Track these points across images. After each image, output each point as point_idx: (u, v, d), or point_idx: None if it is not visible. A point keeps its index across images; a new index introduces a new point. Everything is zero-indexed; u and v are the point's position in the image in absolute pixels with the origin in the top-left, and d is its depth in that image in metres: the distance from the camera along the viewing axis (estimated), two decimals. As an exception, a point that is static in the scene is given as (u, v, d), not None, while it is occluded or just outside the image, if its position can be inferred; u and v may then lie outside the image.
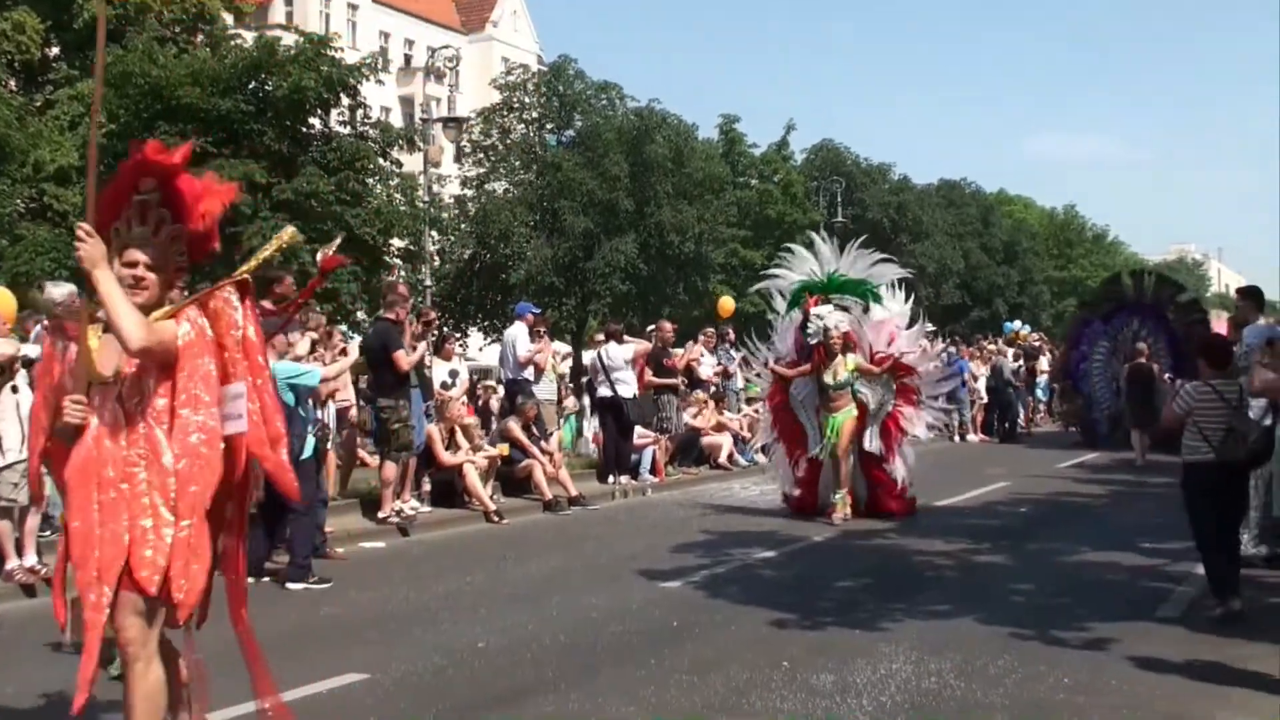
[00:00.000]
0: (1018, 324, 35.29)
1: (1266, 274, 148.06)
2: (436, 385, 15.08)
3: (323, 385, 11.06)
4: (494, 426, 16.56)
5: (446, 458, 14.13)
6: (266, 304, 12.27)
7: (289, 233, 5.05)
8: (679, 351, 19.90)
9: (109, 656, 4.80)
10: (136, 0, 28.53)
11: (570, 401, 19.67)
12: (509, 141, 39.21)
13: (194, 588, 4.63)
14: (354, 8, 58.24)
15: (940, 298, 55.39)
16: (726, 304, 24.89)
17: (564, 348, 29.07)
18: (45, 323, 10.47)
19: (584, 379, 20.18)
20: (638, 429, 17.27)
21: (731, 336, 21.48)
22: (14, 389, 9.90)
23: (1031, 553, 11.59)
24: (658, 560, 11.09)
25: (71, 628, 4.68)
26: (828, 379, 13.73)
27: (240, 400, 4.65)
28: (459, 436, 14.46)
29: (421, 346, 13.52)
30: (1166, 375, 20.87)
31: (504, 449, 14.99)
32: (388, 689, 6.84)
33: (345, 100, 21.73)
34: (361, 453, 14.22)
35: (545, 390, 16.64)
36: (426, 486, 14.36)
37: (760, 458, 18.29)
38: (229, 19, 31.44)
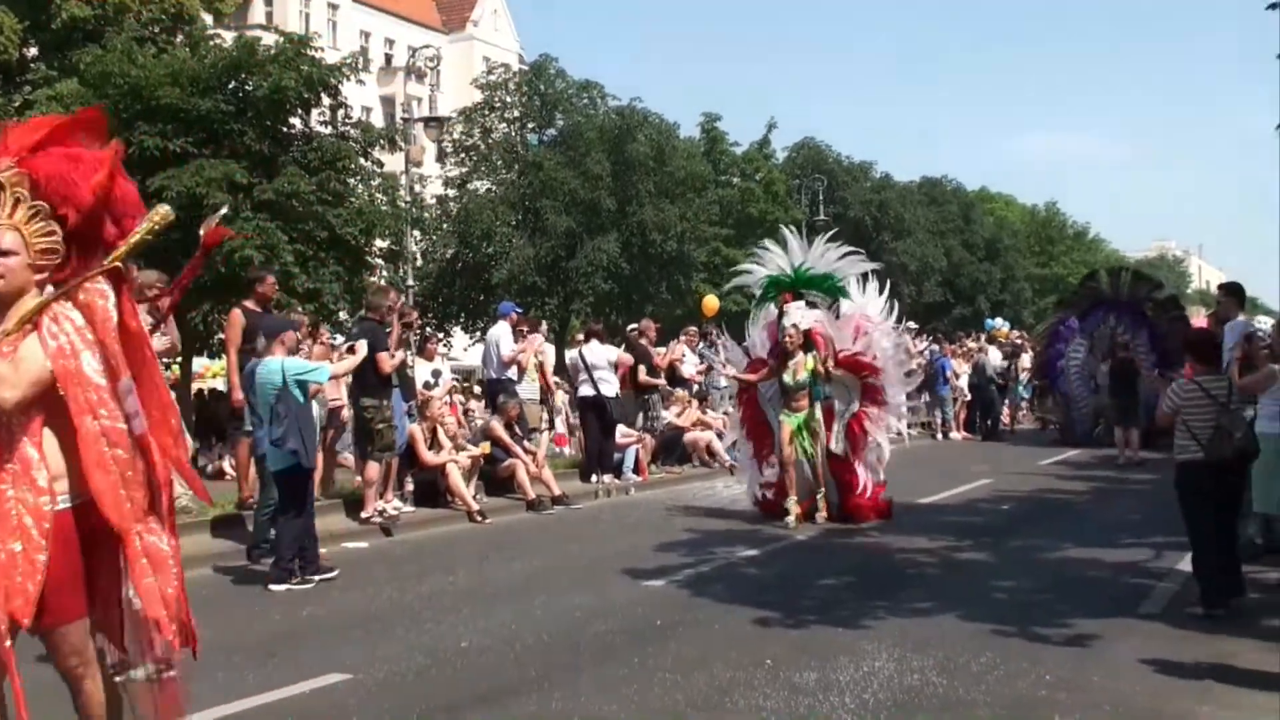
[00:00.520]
0: (1000, 321, 35.36)
1: (1247, 270, 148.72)
2: (419, 385, 15.07)
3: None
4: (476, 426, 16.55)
5: (429, 457, 14.11)
6: (249, 304, 12.33)
7: (161, 213, 4.54)
8: (661, 351, 19.93)
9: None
10: (115, 0, 28.43)
11: (560, 398, 19.59)
12: (490, 141, 39.21)
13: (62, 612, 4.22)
14: (334, 7, 58.09)
15: (922, 295, 55.58)
16: (710, 303, 24.86)
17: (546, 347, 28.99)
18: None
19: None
20: (620, 428, 17.27)
21: (714, 336, 21.47)
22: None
23: (1014, 550, 11.62)
24: (641, 559, 11.09)
25: None
26: (787, 379, 13.43)
27: (132, 396, 4.35)
28: (441, 436, 14.44)
29: (401, 349, 13.46)
30: (1154, 370, 20.91)
31: (486, 448, 14.97)
32: (371, 689, 6.82)
33: (326, 100, 21.61)
34: (345, 454, 14.21)
35: (527, 390, 16.62)
36: (409, 486, 14.34)
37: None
38: (208, 19, 31.30)
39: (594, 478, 16.79)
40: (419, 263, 34.92)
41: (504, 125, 39.66)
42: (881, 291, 14.20)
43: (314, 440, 10.28)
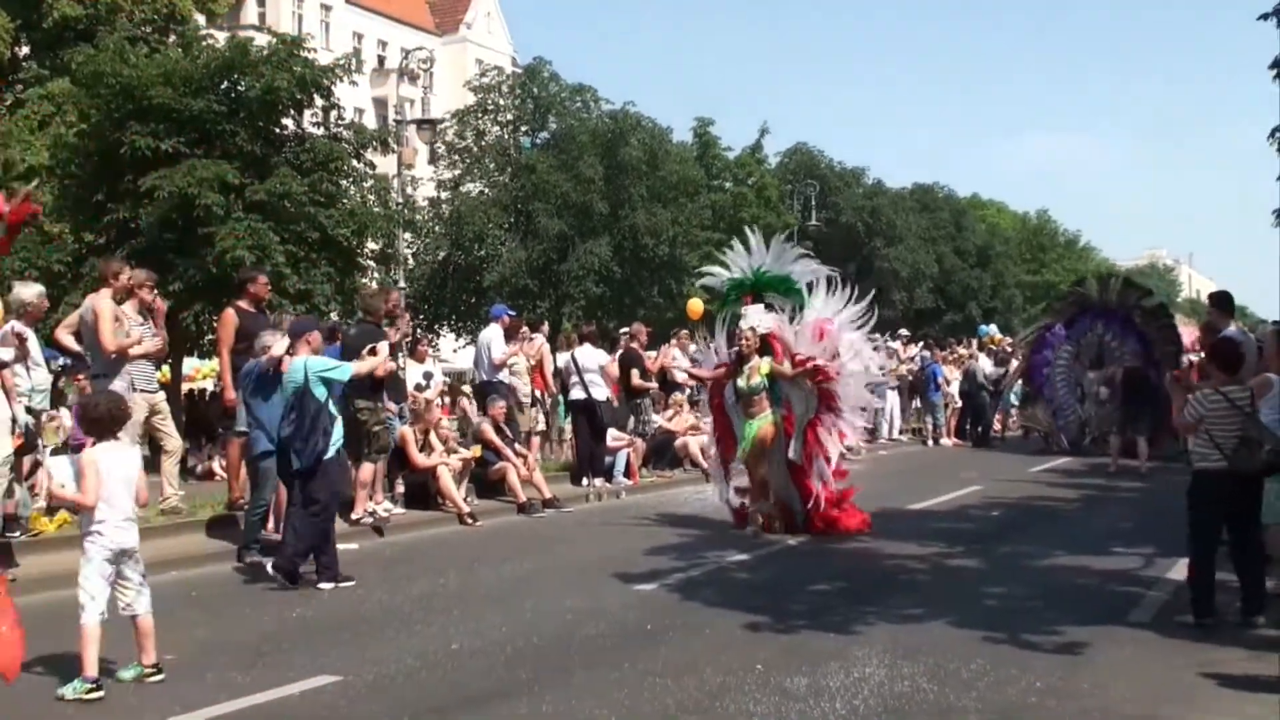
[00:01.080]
0: (991, 328, 35.38)
1: (1237, 279, 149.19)
2: (410, 387, 15.07)
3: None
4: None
5: (420, 460, 14.10)
6: (242, 304, 12.32)
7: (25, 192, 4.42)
8: (653, 354, 19.92)
9: None
10: (107, 0, 28.40)
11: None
12: (483, 144, 39.17)
13: None
14: (327, 9, 58.06)
15: (914, 301, 55.61)
16: (695, 306, 24.72)
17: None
18: (13, 324, 10.42)
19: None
20: (611, 432, 17.27)
21: (686, 339, 21.35)
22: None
23: (1004, 556, 11.62)
24: (632, 563, 11.08)
25: None
26: (740, 383, 13.10)
27: None
28: (433, 439, 14.43)
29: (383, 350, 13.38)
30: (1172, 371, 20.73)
31: (477, 452, 14.97)
32: (360, 691, 6.81)
33: (319, 101, 21.62)
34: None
35: (521, 394, 16.60)
36: (400, 488, 14.34)
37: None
38: (201, 19, 31.30)
39: (585, 481, 16.80)
40: (410, 265, 34.90)
41: (497, 128, 39.61)
42: (862, 298, 13.59)
43: (325, 437, 10.11)
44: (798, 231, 48.33)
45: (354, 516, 12.82)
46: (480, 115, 39.29)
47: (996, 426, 27.59)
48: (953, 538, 12.65)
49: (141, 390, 11.50)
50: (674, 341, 20.83)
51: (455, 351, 39.94)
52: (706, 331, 21.34)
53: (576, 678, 7.06)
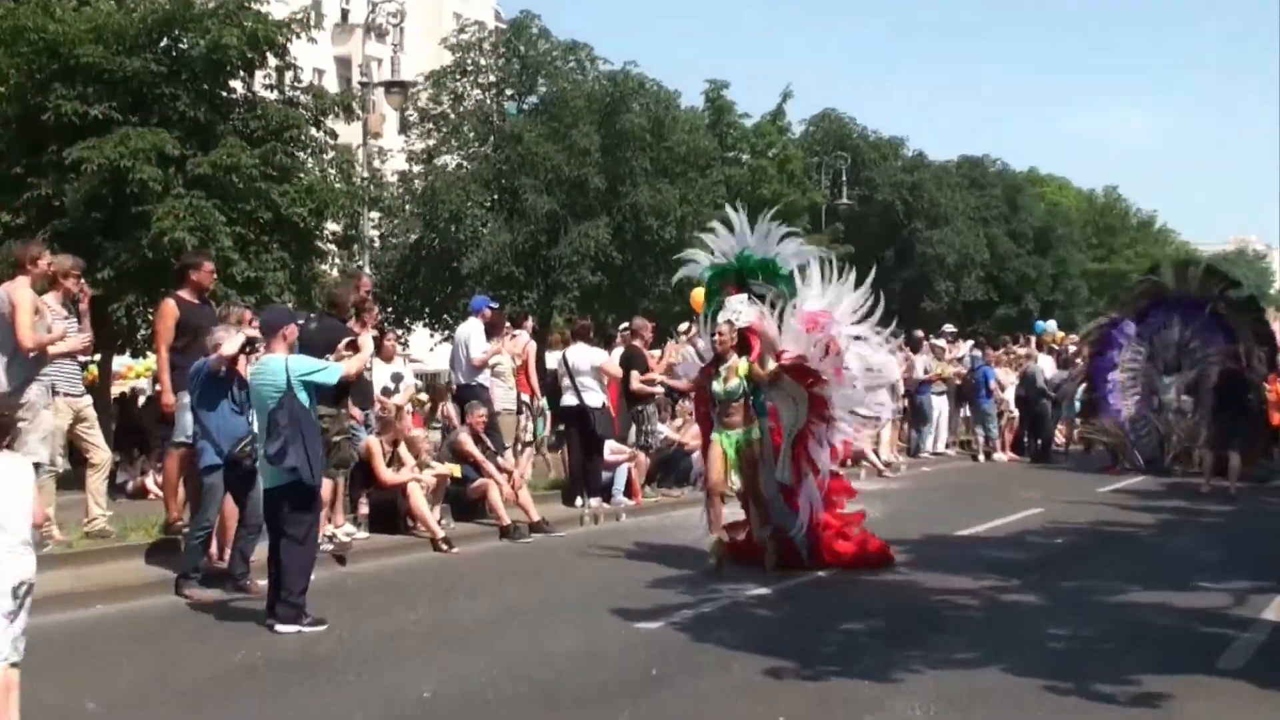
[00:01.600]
0: (1051, 324, 35.30)
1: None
2: (377, 390, 14.98)
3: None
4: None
5: (388, 475, 14.05)
6: (184, 294, 12.27)
7: None
8: (657, 354, 19.82)
9: None
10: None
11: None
12: (461, 110, 39.22)
13: None
14: (282, -47, 58.05)
15: (961, 292, 55.64)
16: (699, 297, 24.63)
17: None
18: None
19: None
20: (609, 443, 17.22)
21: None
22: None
23: (1069, 591, 11.57)
24: (634, 597, 11.05)
25: None
26: (716, 387, 12.68)
27: None
28: (402, 451, 14.38)
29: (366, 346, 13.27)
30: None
31: (455, 470, 14.91)
32: (317, 748, 6.77)
33: (272, 61, 21.58)
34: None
35: (504, 398, 16.57)
36: (364, 509, 14.28)
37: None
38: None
39: (579, 501, 16.76)
40: (377, 249, 34.88)
41: (477, 91, 39.67)
42: (843, 278, 12.80)
43: (319, 453, 10.09)
44: (826, 211, 48.63)
45: (311, 541, 12.77)
46: (458, 77, 39.36)
47: (1060, 439, 27.48)
48: (1009, 569, 12.61)
49: (65, 394, 11.45)
50: (685, 338, 20.63)
51: (432, 351, 39.96)
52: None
53: (569, 732, 7.01)
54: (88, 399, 12.28)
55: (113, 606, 10.56)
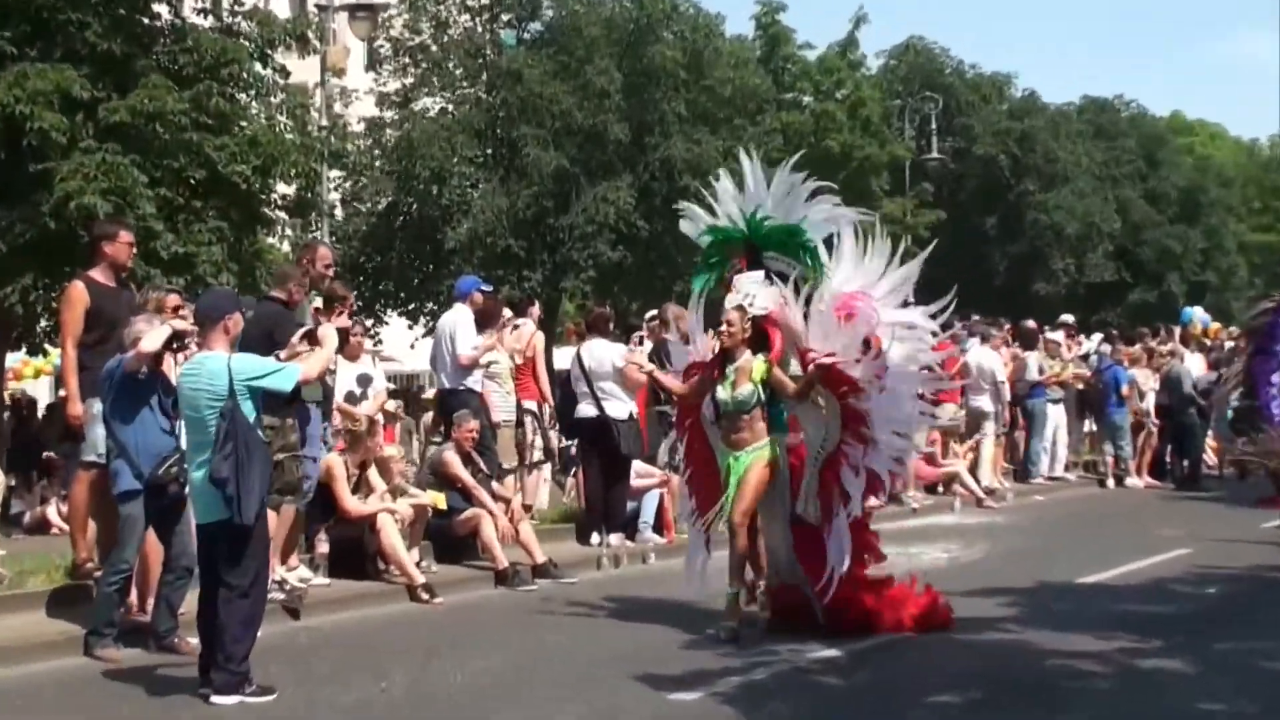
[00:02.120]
0: (1201, 312, 35.17)
1: None
2: (339, 397, 14.99)
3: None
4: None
5: (353, 505, 14.10)
6: (95, 274, 12.31)
7: None
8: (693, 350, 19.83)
9: None
10: None
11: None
12: (446, 40, 39.22)
13: None
14: None
15: (1084, 272, 55.49)
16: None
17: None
18: None
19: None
20: (636, 464, 17.23)
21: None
22: None
23: (1222, 654, 11.56)
24: (664, 660, 11.08)
25: None
26: (722, 394, 12.08)
27: None
28: (372, 475, 14.43)
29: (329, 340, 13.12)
30: None
31: (439, 500, 14.95)
32: None
33: (205, -23, 21.73)
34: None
35: (501, 406, 16.63)
36: (323, 547, 14.33)
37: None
38: None
39: (596, 537, 16.79)
40: (339, 217, 34.96)
41: (465, 17, 39.69)
42: (878, 248, 12.35)
43: (264, 485, 9.95)
44: (911, 167, 48.58)
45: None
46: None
47: (1211, 459, 27.36)
48: (1146, 626, 12.59)
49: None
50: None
51: (413, 347, 40.03)
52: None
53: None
54: None
55: (5, 670, 10.62)
